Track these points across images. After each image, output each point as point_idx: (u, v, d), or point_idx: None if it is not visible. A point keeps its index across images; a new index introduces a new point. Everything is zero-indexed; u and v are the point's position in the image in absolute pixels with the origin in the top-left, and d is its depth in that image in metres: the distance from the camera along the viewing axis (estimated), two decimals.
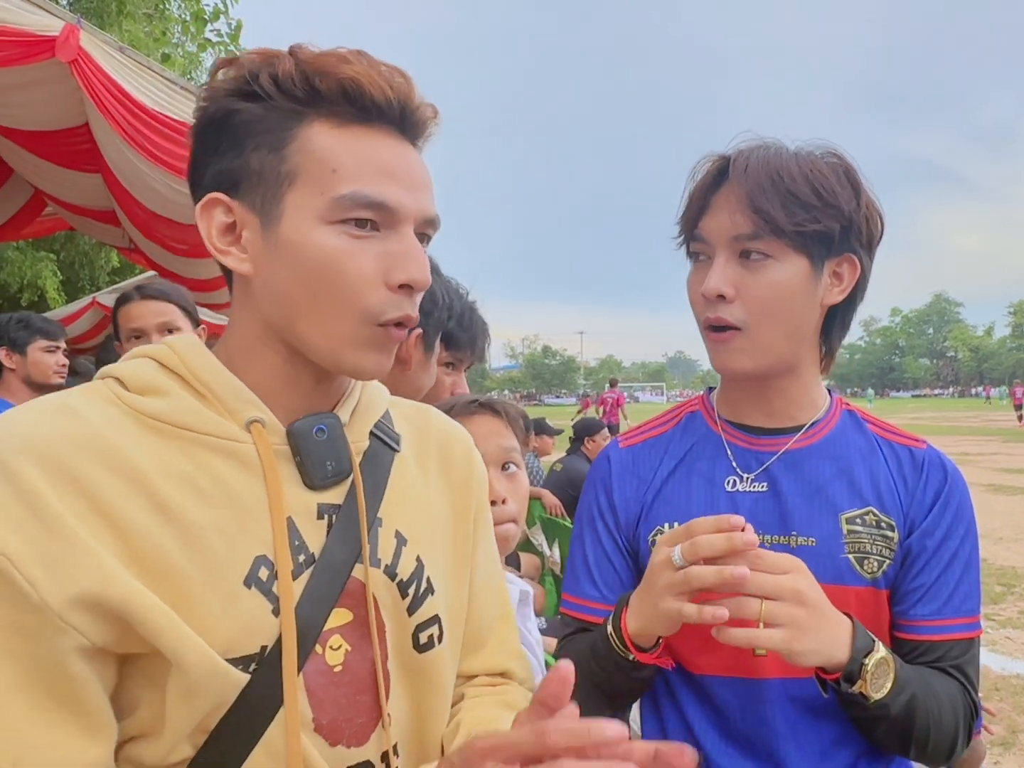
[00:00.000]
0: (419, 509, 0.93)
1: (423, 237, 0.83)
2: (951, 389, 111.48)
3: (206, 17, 7.73)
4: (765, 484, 1.15)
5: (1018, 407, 30.52)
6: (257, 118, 0.77)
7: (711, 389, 1.31)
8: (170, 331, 2.23)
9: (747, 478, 1.16)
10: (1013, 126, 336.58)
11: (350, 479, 0.85)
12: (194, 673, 0.71)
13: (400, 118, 0.80)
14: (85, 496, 0.69)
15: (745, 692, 1.13)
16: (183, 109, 3.74)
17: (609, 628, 1.07)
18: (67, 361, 3.00)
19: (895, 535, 1.12)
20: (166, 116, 3.66)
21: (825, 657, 0.98)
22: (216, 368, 0.81)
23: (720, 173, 1.11)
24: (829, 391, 1.23)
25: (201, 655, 0.71)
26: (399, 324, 0.81)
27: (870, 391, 76.77)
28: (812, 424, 1.17)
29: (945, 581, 1.11)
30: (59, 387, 3.00)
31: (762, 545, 1.09)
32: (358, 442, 0.88)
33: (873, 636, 1.02)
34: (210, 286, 5.96)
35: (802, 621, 0.96)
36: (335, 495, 0.84)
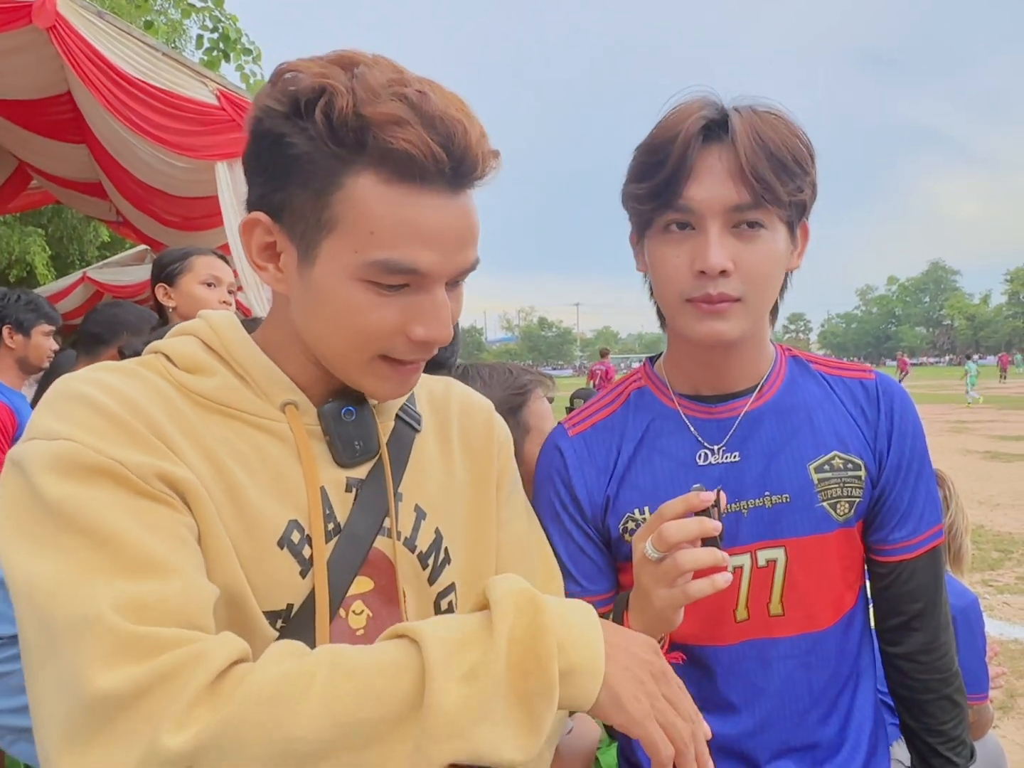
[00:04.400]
0: (438, 483, 0.97)
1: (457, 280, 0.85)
2: (947, 357, 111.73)
3: None
4: (737, 454, 1.14)
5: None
6: (306, 156, 0.76)
7: (651, 361, 1.27)
8: (231, 291, 2.58)
9: (718, 449, 1.15)
10: (1012, 92, 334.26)
11: (376, 457, 0.90)
12: (234, 602, 0.76)
13: (454, 175, 0.77)
14: (151, 430, 0.75)
15: (727, 655, 1.14)
16: (167, 77, 3.66)
17: None
18: (57, 346, 3.07)
19: (862, 472, 1.14)
20: (149, 85, 3.58)
21: None
22: (253, 353, 0.86)
23: (707, 133, 1.03)
24: (772, 342, 1.23)
25: (244, 586, 0.77)
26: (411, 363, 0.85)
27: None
28: (764, 381, 1.17)
29: (915, 502, 1.17)
30: (42, 370, 3.05)
31: (739, 512, 1.13)
32: (385, 423, 0.93)
33: None
34: None
35: None
36: (360, 471, 0.90)
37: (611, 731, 1.62)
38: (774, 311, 1.19)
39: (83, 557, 0.67)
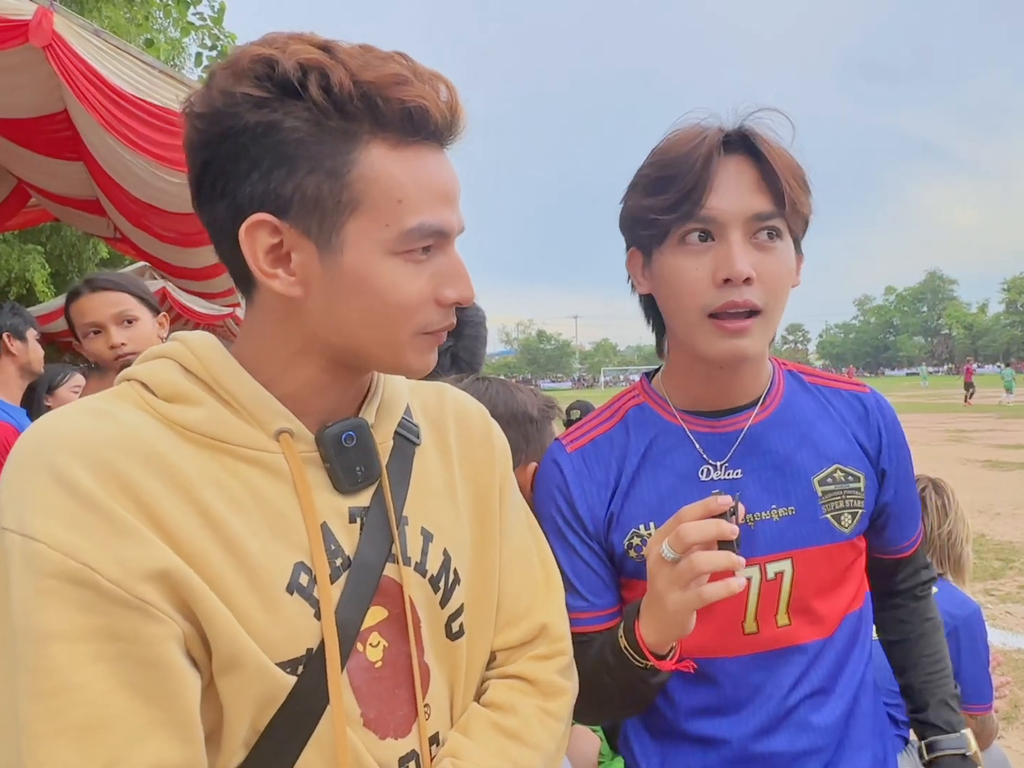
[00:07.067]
0: (442, 501, 0.93)
1: None
2: (945, 367, 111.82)
3: (188, 0, 7.59)
4: (740, 471, 1.14)
5: (967, 385, 29.90)
6: (311, 137, 0.72)
7: (647, 377, 1.27)
8: (128, 321, 2.16)
9: (720, 465, 1.15)
10: (1004, 103, 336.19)
11: (377, 481, 0.87)
12: (246, 671, 0.73)
13: (445, 131, 0.78)
14: (132, 498, 0.69)
15: (735, 666, 1.15)
16: (163, 95, 3.66)
17: (623, 643, 1.04)
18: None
19: (862, 484, 1.17)
20: (146, 102, 3.59)
21: None
22: (241, 378, 0.80)
23: (719, 147, 1.05)
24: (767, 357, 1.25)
25: (252, 654, 0.73)
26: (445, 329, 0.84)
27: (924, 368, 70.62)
28: (765, 396, 1.19)
29: (914, 505, 1.27)
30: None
31: (746, 525, 1.12)
32: (383, 443, 0.89)
33: None
34: (201, 275, 5.89)
35: None
36: (363, 497, 0.85)
37: (615, 745, 1.60)
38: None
39: (27, 705, 0.64)
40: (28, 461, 0.69)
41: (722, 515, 0.94)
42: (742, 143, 1.06)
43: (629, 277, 1.20)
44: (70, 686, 0.64)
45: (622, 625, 1.06)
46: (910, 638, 1.28)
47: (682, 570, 0.93)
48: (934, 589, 1.34)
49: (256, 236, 0.75)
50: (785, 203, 1.04)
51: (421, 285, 0.78)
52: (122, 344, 2.12)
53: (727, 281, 1.03)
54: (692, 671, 1.07)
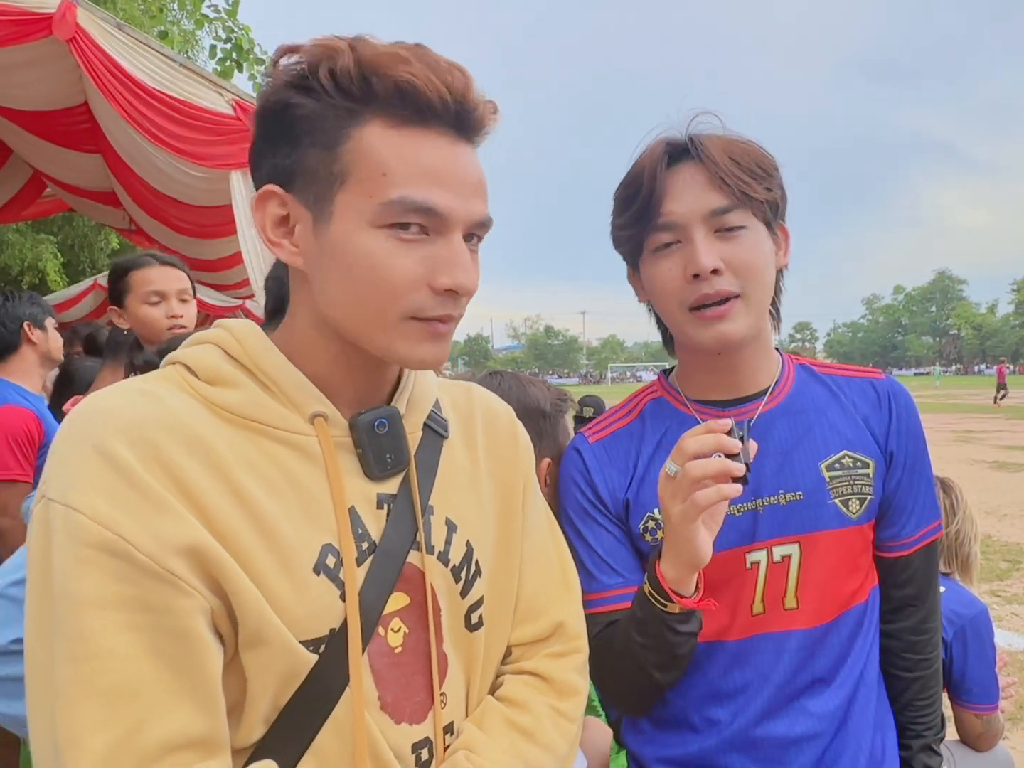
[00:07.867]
0: (467, 494, 0.96)
1: (472, 237, 0.84)
2: (954, 367, 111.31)
3: None
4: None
5: (1000, 386, 29.68)
6: (314, 114, 0.77)
7: (665, 373, 1.33)
8: (184, 300, 2.38)
9: None
10: (1016, 103, 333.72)
11: (406, 469, 0.89)
12: (271, 648, 0.75)
13: (456, 118, 0.79)
14: (171, 476, 0.72)
15: (741, 648, 1.17)
16: (183, 88, 3.69)
17: (647, 588, 1.08)
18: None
19: (871, 470, 1.19)
20: (166, 95, 3.61)
21: None
22: (280, 362, 0.83)
23: (670, 158, 1.13)
24: (777, 350, 1.28)
25: (277, 631, 0.75)
26: (442, 319, 0.82)
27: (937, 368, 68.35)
28: (774, 385, 1.23)
29: (917, 499, 1.24)
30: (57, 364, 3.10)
31: (755, 510, 1.17)
32: (413, 433, 0.91)
33: None
34: (214, 266, 5.92)
35: None
36: (391, 485, 0.88)
37: (619, 737, 1.63)
38: (776, 318, 1.26)
39: (62, 669, 0.67)
40: (75, 436, 0.73)
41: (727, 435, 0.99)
42: (688, 149, 1.13)
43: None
44: (101, 652, 0.67)
45: (646, 573, 1.10)
46: (905, 678, 1.27)
47: (679, 480, 0.99)
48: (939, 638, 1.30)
49: (266, 207, 0.81)
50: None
51: (406, 264, 0.77)
52: (180, 316, 2.33)
53: (696, 276, 1.10)
54: (714, 608, 1.09)
